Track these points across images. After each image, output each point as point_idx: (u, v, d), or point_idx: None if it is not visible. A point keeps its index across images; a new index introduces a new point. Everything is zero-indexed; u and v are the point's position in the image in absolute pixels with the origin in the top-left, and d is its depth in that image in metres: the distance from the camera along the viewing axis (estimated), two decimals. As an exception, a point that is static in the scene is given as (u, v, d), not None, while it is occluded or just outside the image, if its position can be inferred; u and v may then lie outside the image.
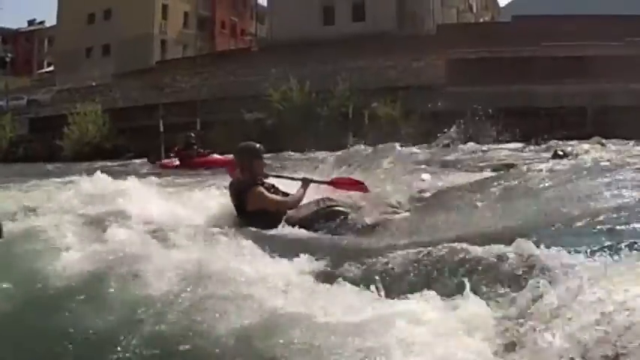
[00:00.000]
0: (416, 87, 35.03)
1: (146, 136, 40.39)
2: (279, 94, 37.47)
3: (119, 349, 3.45)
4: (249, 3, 73.45)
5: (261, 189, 7.11)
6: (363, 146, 28.44)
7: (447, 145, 25.37)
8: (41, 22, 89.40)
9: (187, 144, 20.16)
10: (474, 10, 61.48)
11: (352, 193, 7.55)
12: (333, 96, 35.95)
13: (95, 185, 8.45)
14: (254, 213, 6.91)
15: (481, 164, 15.38)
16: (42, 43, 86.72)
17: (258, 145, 7.45)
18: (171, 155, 22.50)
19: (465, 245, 4.12)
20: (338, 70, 37.01)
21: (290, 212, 7.03)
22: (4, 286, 4.39)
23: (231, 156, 16.21)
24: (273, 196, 7.21)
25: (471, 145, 25.34)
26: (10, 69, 76.62)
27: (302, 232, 6.48)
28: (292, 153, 28.13)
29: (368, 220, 6.76)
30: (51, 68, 75.63)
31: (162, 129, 36.84)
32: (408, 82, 35.97)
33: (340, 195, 7.51)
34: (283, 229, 6.60)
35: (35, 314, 4.03)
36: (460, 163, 16.47)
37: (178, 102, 43.48)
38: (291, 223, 6.71)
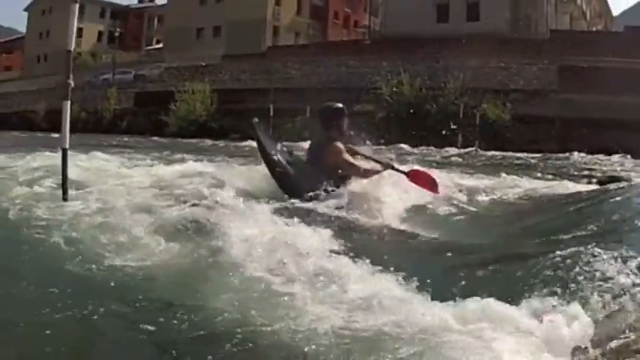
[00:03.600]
0: (527, 91, 35.87)
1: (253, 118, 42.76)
2: (389, 87, 38.65)
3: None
4: (363, -5, 73.60)
5: (342, 146, 7.42)
6: (473, 148, 30.08)
7: (552, 153, 26.45)
8: (151, 0, 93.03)
9: None
10: (587, 17, 60.72)
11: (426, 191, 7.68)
12: (443, 93, 36.75)
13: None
14: (327, 167, 7.24)
15: (586, 174, 15.22)
16: (152, 20, 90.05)
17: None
18: None
19: (550, 258, 4.00)
20: (449, 68, 38.01)
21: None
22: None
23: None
24: (349, 157, 7.43)
25: (576, 154, 25.71)
26: (119, 44, 79.87)
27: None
28: (403, 145, 28.66)
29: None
30: (160, 45, 78.68)
31: (272, 113, 38.83)
32: (519, 86, 36.62)
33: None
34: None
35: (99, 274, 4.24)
36: (566, 172, 16.50)
37: (287, 88, 44.86)
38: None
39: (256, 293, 3.73)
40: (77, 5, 6.79)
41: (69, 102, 6.61)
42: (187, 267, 4.25)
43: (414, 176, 7.73)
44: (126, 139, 35.54)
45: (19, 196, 6.62)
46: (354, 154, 7.55)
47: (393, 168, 7.68)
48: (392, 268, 4.06)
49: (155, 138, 37.90)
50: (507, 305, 3.37)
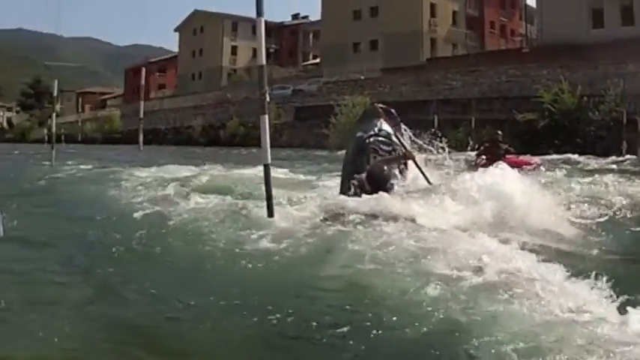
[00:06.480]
0: (690, 95, 36.03)
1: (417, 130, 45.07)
2: (550, 95, 39.81)
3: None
4: (517, 3, 74.21)
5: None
6: (635, 157, 31.34)
7: None
8: (305, 17, 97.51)
9: (493, 141, 18.82)
10: None
11: None
12: (603, 100, 37.34)
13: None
14: None
15: None
16: (306, 36, 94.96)
17: None
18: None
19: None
20: (608, 75, 38.98)
21: None
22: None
23: (527, 158, 20.22)
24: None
25: None
26: (274, 60, 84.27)
27: None
28: (568, 155, 30.26)
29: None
30: (316, 60, 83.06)
31: (436, 125, 41.22)
32: (681, 89, 36.67)
33: None
34: None
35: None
36: None
37: (449, 99, 47.23)
38: None
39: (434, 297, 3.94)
40: (263, 19, 7.19)
41: (267, 116, 6.93)
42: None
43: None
44: (284, 151, 36.48)
45: (227, 213, 7.10)
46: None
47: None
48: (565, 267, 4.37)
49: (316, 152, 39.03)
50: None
